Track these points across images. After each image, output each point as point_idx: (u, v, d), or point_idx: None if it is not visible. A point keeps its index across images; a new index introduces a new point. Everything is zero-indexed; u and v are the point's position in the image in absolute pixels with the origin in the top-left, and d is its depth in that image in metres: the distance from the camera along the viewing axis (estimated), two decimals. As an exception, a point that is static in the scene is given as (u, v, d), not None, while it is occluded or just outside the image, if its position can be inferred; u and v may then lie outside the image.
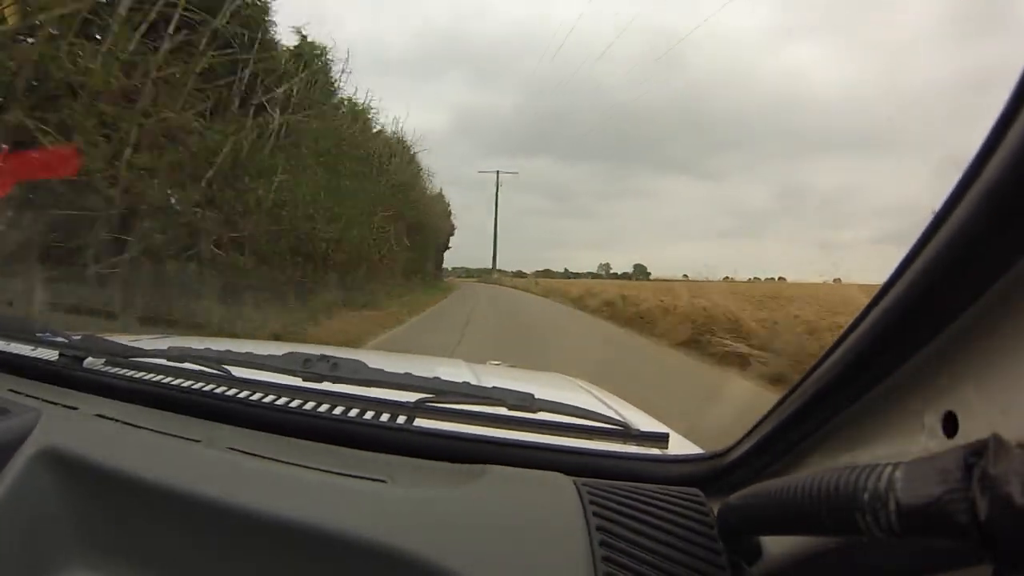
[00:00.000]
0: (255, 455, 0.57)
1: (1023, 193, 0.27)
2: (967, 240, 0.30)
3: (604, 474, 0.58)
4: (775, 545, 0.44)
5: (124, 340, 0.90)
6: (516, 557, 0.46)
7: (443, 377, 0.74)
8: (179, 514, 0.52)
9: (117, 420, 0.64)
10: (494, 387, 0.72)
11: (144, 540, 0.53)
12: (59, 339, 0.83)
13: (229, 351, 0.78)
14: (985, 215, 0.28)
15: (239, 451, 0.58)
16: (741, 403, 4.29)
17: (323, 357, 0.72)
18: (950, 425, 0.33)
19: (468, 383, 0.73)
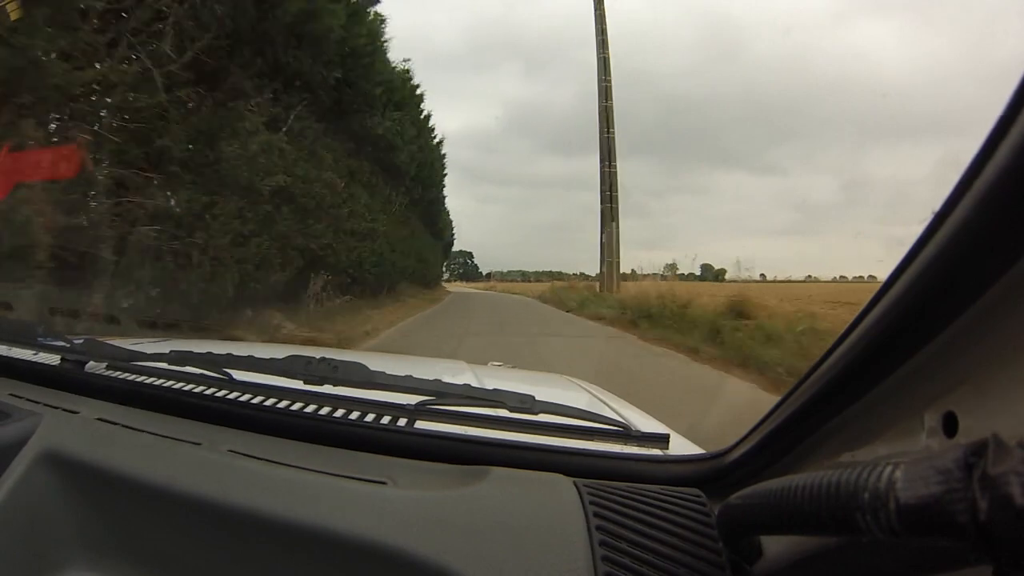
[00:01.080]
0: (256, 458, 0.57)
1: (1023, 193, 0.27)
2: (967, 240, 0.30)
3: (605, 475, 0.58)
4: (775, 545, 0.44)
5: (125, 344, 0.90)
6: (517, 558, 0.46)
7: (444, 379, 0.74)
8: (180, 517, 0.52)
9: (118, 424, 0.64)
10: (495, 389, 0.72)
11: (145, 543, 0.53)
12: (60, 343, 0.83)
13: (230, 354, 0.78)
14: (985, 215, 0.28)
15: (240, 454, 0.58)
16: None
17: (324, 360, 0.72)
18: (950, 425, 0.33)
19: (469, 385, 0.73)
